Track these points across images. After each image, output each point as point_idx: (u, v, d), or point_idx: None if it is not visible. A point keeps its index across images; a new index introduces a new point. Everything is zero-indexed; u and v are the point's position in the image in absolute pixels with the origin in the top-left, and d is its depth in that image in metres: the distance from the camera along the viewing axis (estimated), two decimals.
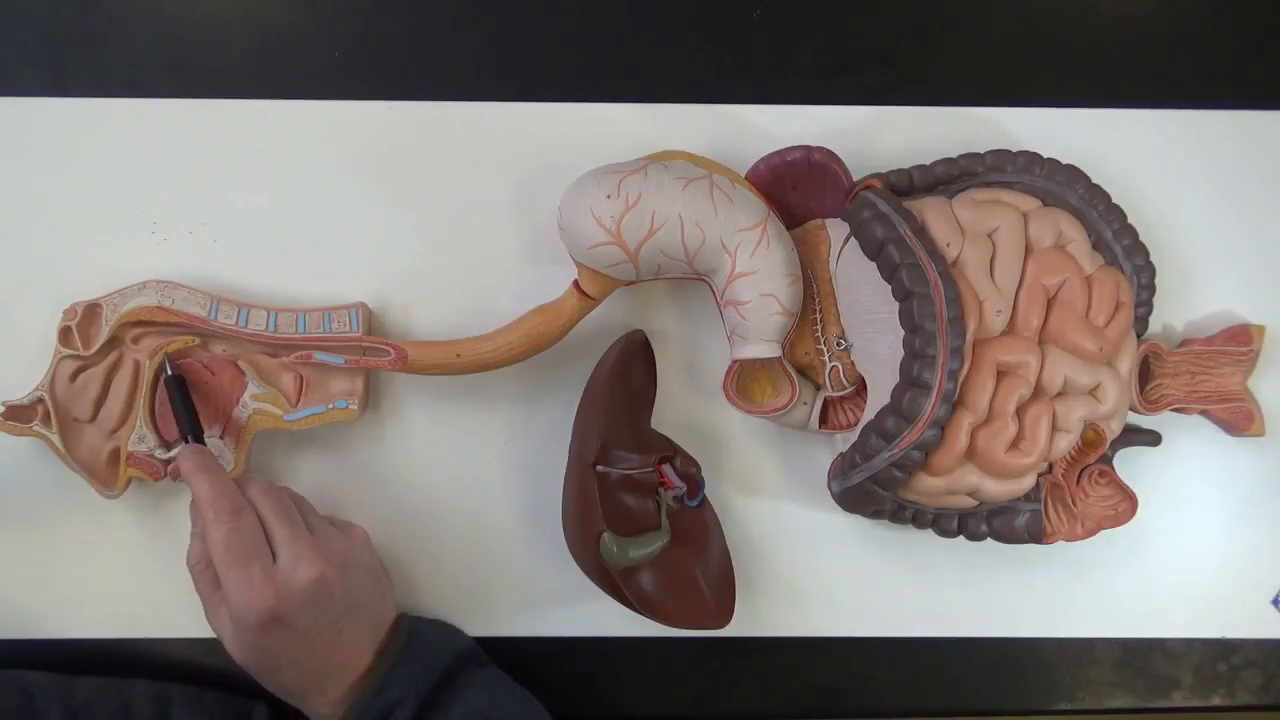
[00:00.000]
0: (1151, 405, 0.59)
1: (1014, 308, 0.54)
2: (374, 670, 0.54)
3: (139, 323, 0.58)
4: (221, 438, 0.58)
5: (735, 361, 0.57)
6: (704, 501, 0.59)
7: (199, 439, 0.57)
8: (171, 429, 0.58)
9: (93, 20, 0.62)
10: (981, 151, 0.59)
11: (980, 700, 0.62)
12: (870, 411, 0.55)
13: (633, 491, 0.57)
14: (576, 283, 0.57)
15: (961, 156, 0.59)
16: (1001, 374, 0.54)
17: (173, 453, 0.57)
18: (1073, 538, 0.56)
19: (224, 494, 0.52)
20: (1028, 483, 0.55)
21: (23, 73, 0.61)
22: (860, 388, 0.58)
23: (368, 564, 0.56)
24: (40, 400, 0.57)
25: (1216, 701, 0.62)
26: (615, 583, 0.54)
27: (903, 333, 0.53)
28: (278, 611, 0.51)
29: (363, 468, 0.60)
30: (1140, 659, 0.62)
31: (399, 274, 0.61)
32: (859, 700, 0.62)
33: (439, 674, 0.55)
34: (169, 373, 0.58)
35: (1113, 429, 0.56)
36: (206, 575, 0.53)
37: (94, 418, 0.58)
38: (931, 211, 0.55)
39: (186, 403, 0.57)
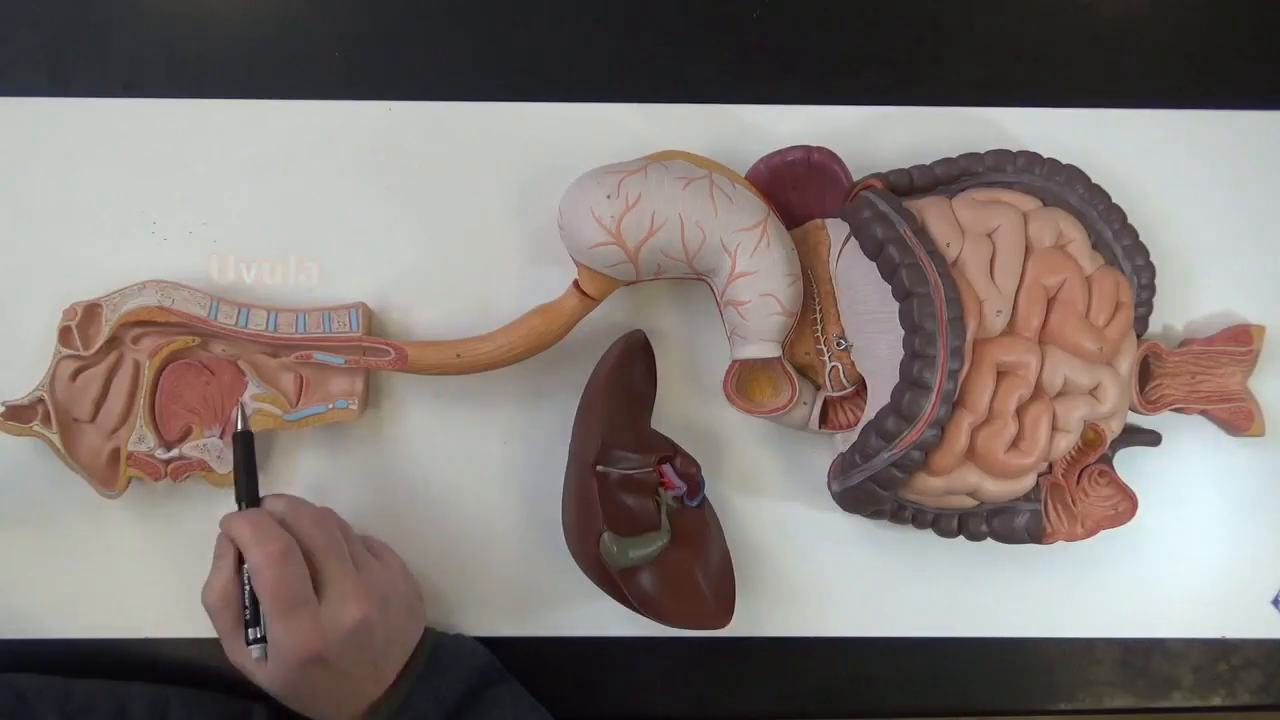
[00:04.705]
0: (1151, 405, 0.59)
1: (1014, 308, 0.54)
2: (397, 687, 0.54)
3: (139, 323, 0.58)
4: (221, 438, 0.58)
5: (735, 361, 0.57)
6: (704, 501, 0.59)
7: (254, 504, 0.54)
8: (172, 429, 0.58)
9: (93, 20, 0.62)
10: (981, 151, 0.59)
11: (980, 700, 0.62)
12: (870, 411, 0.55)
13: (633, 491, 0.57)
14: (576, 283, 0.57)
15: (961, 156, 0.59)
16: (1001, 374, 0.54)
17: (172, 453, 0.57)
18: (1073, 538, 0.56)
19: (269, 534, 0.51)
20: (1028, 483, 0.55)
21: (23, 73, 0.61)
22: (860, 388, 0.58)
23: (405, 595, 0.55)
24: (40, 400, 0.57)
25: (1216, 701, 0.62)
26: (615, 583, 0.54)
27: (903, 333, 0.53)
28: (322, 655, 0.50)
29: (363, 468, 0.60)
30: (1140, 659, 0.62)
31: (399, 274, 0.61)
32: (859, 700, 0.61)
33: (462, 690, 0.55)
34: (239, 428, 0.55)
35: (1113, 429, 0.56)
36: (227, 615, 0.52)
37: (94, 418, 0.58)
38: (931, 211, 0.55)
39: (249, 464, 0.54)
